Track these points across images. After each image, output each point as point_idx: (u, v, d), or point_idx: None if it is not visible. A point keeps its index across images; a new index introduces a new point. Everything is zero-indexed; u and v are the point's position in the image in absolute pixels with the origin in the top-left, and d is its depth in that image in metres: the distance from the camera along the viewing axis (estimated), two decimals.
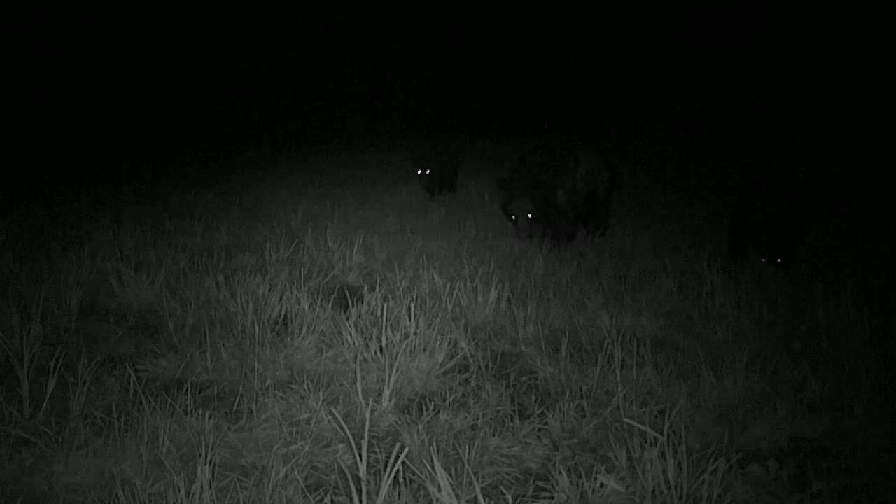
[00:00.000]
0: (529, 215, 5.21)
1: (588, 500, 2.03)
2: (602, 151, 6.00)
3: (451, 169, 8.55)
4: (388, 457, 2.24)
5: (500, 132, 16.51)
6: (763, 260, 4.79)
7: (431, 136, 10.98)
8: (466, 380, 2.92)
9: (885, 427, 2.35)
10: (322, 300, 3.59)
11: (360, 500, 1.93)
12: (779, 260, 4.74)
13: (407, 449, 2.08)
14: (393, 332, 3.04)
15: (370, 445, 2.34)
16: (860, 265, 4.71)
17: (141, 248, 5.05)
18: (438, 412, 2.56)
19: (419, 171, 8.15)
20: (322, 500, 2.06)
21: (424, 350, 2.98)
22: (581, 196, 5.53)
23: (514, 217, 5.28)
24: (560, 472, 2.10)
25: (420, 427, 2.42)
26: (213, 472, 2.07)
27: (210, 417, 2.45)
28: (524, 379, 2.99)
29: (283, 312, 3.58)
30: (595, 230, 5.90)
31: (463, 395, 2.77)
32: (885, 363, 2.89)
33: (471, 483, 2.07)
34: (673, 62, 18.95)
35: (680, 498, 1.98)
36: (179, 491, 1.93)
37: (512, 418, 2.55)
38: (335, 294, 3.96)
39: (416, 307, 3.35)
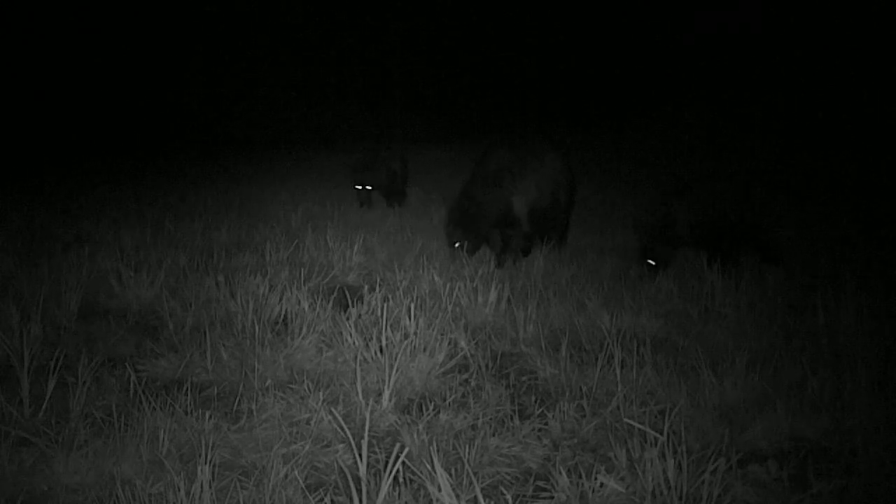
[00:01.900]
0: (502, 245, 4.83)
1: (588, 500, 2.03)
2: (556, 152, 5.29)
3: (399, 178, 7.64)
4: (388, 457, 2.24)
5: (501, 132, 16.51)
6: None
7: (376, 143, 9.44)
8: (466, 380, 2.92)
9: (885, 427, 2.35)
10: (322, 300, 3.59)
11: (360, 500, 1.93)
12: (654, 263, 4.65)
13: (407, 449, 2.07)
14: (393, 332, 3.04)
15: (370, 445, 2.34)
16: (860, 265, 4.70)
17: (141, 248, 5.05)
18: (438, 412, 2.56)
19: (358, 188, 7.23)
20: (322, 500, 2.06)
21: (424, 350, 2.97)
22: (542, 203, 5.07)
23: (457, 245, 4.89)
24: (560, 472, 2.10)
25: (420, 427, 2.42)
26: (213, 472, 2.07)
27: (210, 417, 2.45)
28: (524, 379, 2.98)
29: (283, 312, 3.58)
30: (554, 241, 5.28)
31: (463, 395, 2.77)
32: (885, 363, 2.88)
33: (471, 483, 2.07)
34: (671, 61, 18.96)
35: (680, 498, 1.97)
36: (179, 491, 1.93)
37: (512, 418, 2.55)
38: (335, 294, 3.95)
39: (416, 307, 3.34)
